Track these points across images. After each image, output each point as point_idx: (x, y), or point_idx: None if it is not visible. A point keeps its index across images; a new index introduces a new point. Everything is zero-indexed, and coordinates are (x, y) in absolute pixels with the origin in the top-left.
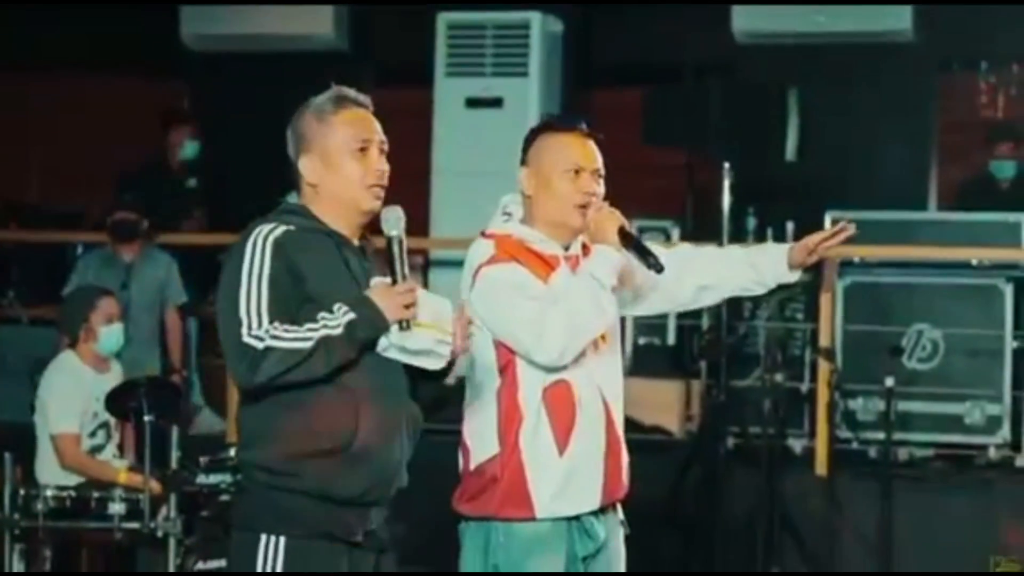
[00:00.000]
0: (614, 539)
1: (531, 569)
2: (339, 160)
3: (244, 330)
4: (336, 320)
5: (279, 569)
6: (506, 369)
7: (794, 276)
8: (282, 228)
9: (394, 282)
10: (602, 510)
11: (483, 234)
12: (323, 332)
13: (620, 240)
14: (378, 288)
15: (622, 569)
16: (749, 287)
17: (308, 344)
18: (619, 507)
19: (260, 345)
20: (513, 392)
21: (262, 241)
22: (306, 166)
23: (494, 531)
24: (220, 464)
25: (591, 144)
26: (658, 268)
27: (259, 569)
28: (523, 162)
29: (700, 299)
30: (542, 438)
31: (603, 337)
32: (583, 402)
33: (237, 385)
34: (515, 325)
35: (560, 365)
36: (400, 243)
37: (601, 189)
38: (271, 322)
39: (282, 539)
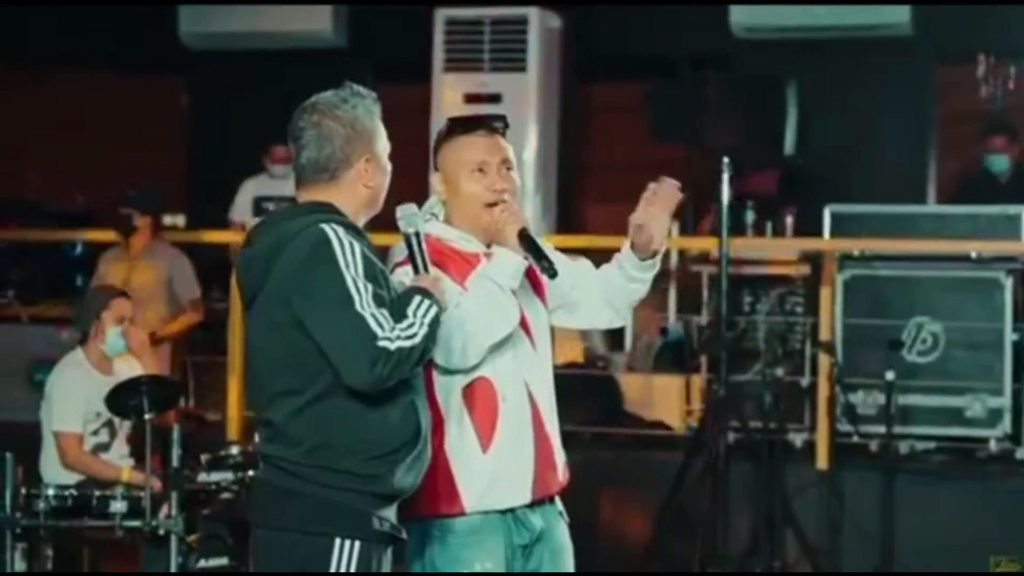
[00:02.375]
0: (555, 531)
1: (470, 559)
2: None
3: (378, 331)
4: (424, 310)
5: (353, 570)
6: (425, 372)
7: (647, 260)
8: (340, 225)
9: (417, 273)
10: (537, 503)
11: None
12: (427, 327)
13: (519, 242)
14: (425, 280)
15: (568, 560)
16: (626, 287)
17: (420, 339)
18: (557, 500)
19: (392, 347)
20: (432, 395)
21: (343, 237)
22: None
23: (429, 527)
24: (222, 462)
25: (496, 139)
26: (551, 273)
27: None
28: (435, 167)
29: (611, 317)
30: (466, 437)
31: (528, 334)
32: (506, 398)
33: (355, 385)
34: None
35: (464, 367)
36: (418, 238)
37: (515, 181)
38: (392, 321)
39: (357, 543)
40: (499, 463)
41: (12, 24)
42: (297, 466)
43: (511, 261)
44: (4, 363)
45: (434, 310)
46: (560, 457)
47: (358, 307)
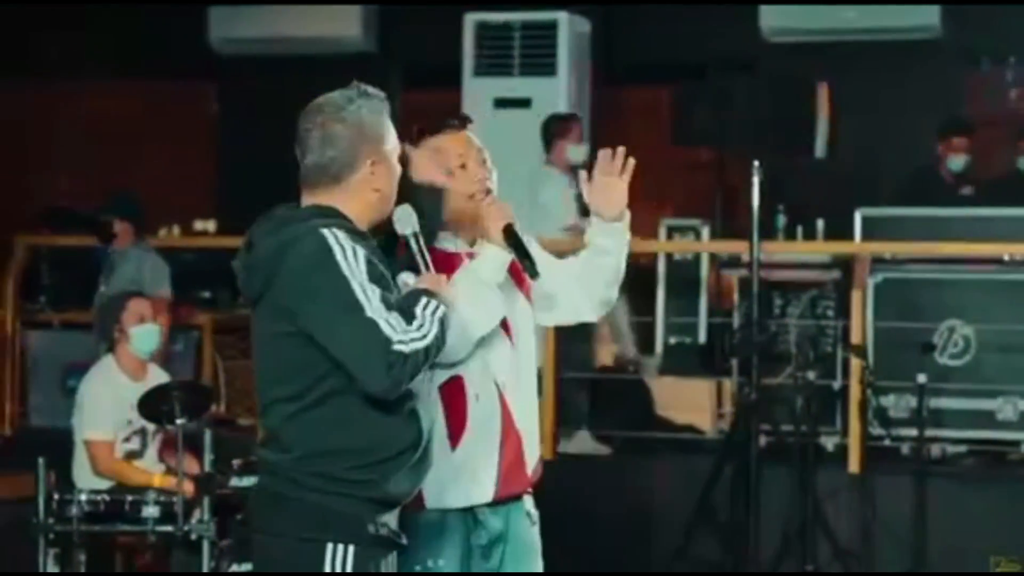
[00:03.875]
0: (520, 530)
1: (423, 556)
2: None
3: (392, 336)
4: (432, 309)
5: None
6: None
7: (615, 222)
8: (341, 230)
9: (419, 274)
10: (501, 502)
11: None
12: (437, 326)
13: (504, 238)
14: (428, 279)
15: (532, 560)
16: (599, 262)
17: (431, 339)
18: (526, 498)
19: (407, 349)
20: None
21: (344, 242)
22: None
23: None
24: (253, 467)
25: (465, 134)
26: (532, 274)
27: None
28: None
29: (590, 308)
30: (436, 434)
31: (506, 331)
32: (476, 397)
33: (373, 391)
34: None
35: (453, 361)
36: (417, 238)
37: (492, 173)
38: (404, 323)
39: (351, 547)
40: (463, 462)
41: (44, 32)
42: (291, 471)
43: (496, 256)
44: (37, 369)
45: (442, 309)
46: (532, 456)
47: (368, 313)
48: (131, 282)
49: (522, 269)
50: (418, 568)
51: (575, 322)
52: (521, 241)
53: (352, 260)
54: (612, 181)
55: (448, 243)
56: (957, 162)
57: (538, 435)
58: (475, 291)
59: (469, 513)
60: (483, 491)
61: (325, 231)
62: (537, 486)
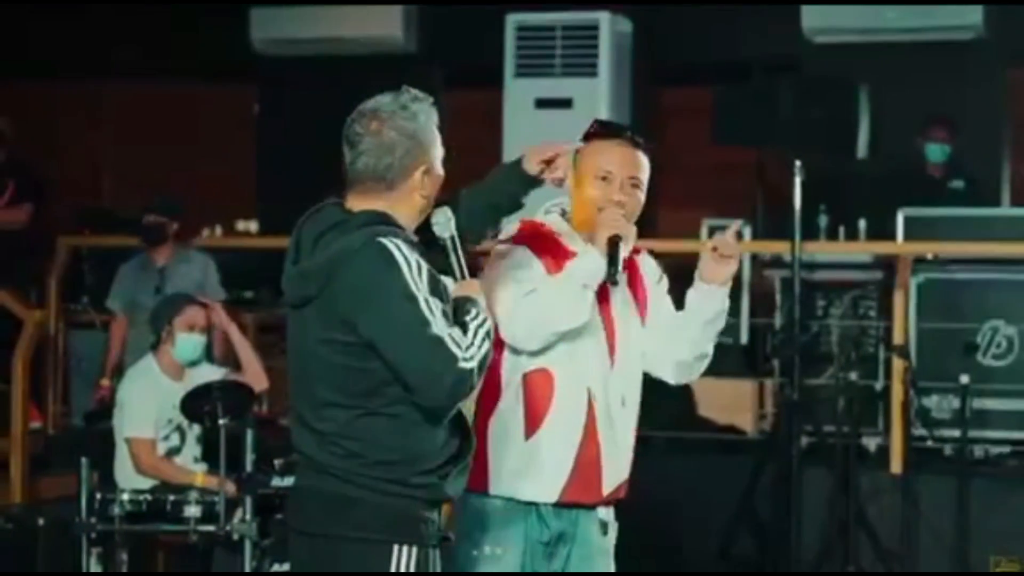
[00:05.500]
0: (588, 533)
1: (479, 539)
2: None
3: (457, 353)
4: (480, 322)
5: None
6: (496, 348)
7: (708, 288)
8: (400, 239)
9: (456, 279)
10: (566, 506)
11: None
12: (488, 341)
13: (607, 246)
14: (466, 287)
15: (603, 564)
16: (691, 324)
17: (485, 352)
18: (600, 509)
19: (469, 366)
20: (496, 370)
21: (408, 254)
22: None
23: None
24: (295, 466)
25: (631, 152)
26: (612, 280)
27: None
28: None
29: (674, 372)
30: (513, 420)
31: (610, 345)
32: (562, 394)
33: (432, 407)
34: (495, 302)
35: (525, 349)
36: (454, 241)
37: (636, 199)
38: (464, 338)
39: (414, 548)
40: (536, 453)
41: (85, 30)
42: (356, 475)
43: (592, 261)
44: (79, 369)
45: (489, 321)
46: (613, 473)
47: (435, 329)
48: (196, 285)
49: (605, 277)
50: (475, 553)
51: (653, 375)
52: (617, 252)
53: (416, 274)
54: (721, 268)
55: (570, 239)
56: (935, 150)
57: (630, 459)
58: (563, 289)
59: (533, 508)
60: (549, 490)
61: (386, 241)
62: (617, 503)
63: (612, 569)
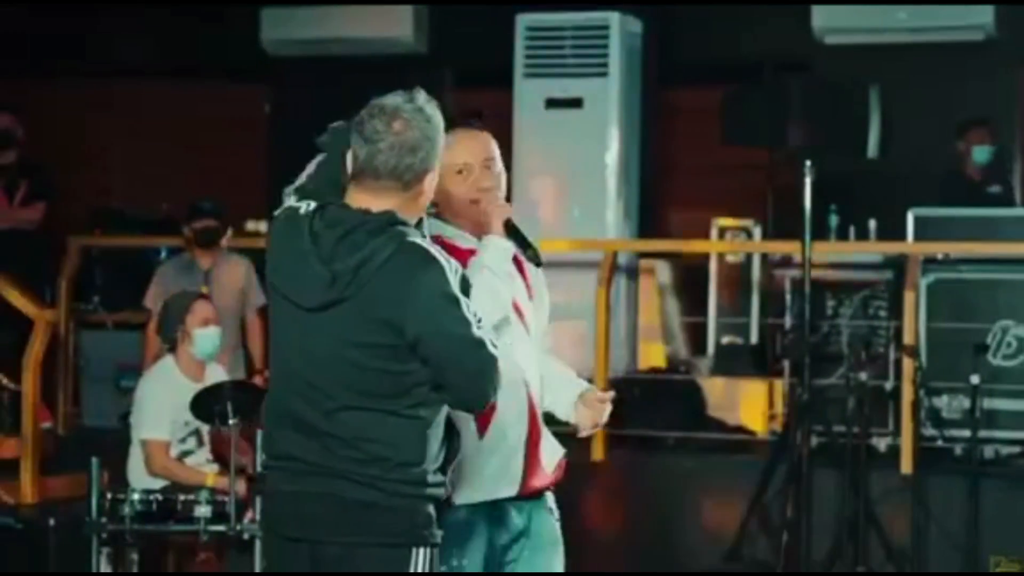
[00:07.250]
0: (541, 527)
1: (447, 554)
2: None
3: (495, 353)
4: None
5: None
6: None
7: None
8: (426, 240)
9: None
10: (524, 498)
11: None
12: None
13: (505, 231)
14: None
15: (554, 556)
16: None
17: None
18: (547, 495)
19: (500, 366)
20: None
21: (441, 255)
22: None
23: None
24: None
25: (475, 137)
26: (536, 261)
27: None
28: None
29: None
30: (463, 419)
31: (521, 318)
32: (505, 390)
33: (471, 406)
34: None
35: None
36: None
37: (497, 177)
38: (495, 338)
39: (429, 550)
40: (490, 455)
41: (95, 30)
42: (380, 479)
43: (500, 246)
44: (89, 369)
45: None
46: (549, 452)
47: (476, 332)
48: (240, 289)
49: (525, 259)
50: (443, 568)
51: None
52: (521, 233)
53: (451, 274)
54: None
55: (461, 240)
56: (982, 152)
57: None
58: (486, 282)
59: (495, 509)
60: (508, 487)
61: (421, 242)
62: (559, 483)
63: (561, 557)
